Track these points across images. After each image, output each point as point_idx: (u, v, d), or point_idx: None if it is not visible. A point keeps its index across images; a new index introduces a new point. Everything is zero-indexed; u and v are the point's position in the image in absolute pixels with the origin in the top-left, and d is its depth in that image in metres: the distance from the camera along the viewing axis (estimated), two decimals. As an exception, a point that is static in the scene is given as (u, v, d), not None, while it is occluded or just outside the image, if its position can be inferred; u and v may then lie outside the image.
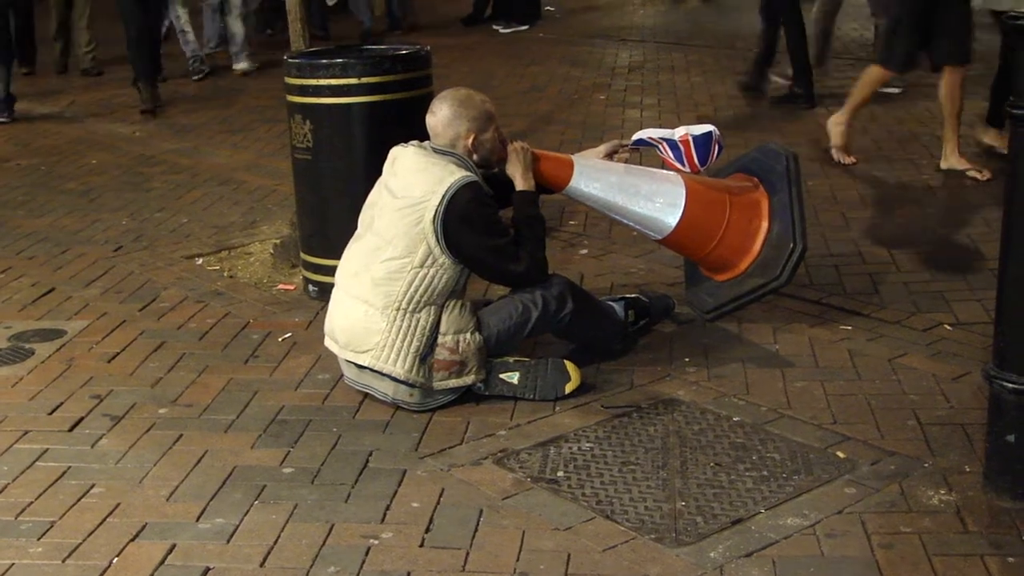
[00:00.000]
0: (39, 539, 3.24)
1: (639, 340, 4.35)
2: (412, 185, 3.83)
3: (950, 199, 5.98)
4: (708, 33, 11.64)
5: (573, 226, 5.88)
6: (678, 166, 4.33)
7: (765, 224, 4.28)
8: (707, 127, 4.35)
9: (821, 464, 3.42)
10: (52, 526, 3.30)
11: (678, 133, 4.33)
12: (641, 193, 4.24)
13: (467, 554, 3.06)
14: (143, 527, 3.26)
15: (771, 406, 3.80)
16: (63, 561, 3.13)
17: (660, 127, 4.52)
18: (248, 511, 3.31)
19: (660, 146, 4.35)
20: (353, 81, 4.65)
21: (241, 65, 10.35)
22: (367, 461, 3.57)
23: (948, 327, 4.38)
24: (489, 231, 3.85)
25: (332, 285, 4.06)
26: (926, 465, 3.39)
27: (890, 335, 4.33)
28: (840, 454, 3.47)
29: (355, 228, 4.04)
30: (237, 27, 10.40)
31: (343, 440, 3.72)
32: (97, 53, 10.94)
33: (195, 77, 10.18)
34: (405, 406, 3.86)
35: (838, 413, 3.73)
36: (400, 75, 4.70)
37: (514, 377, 3.90)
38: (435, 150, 3.93)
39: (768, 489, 3.30)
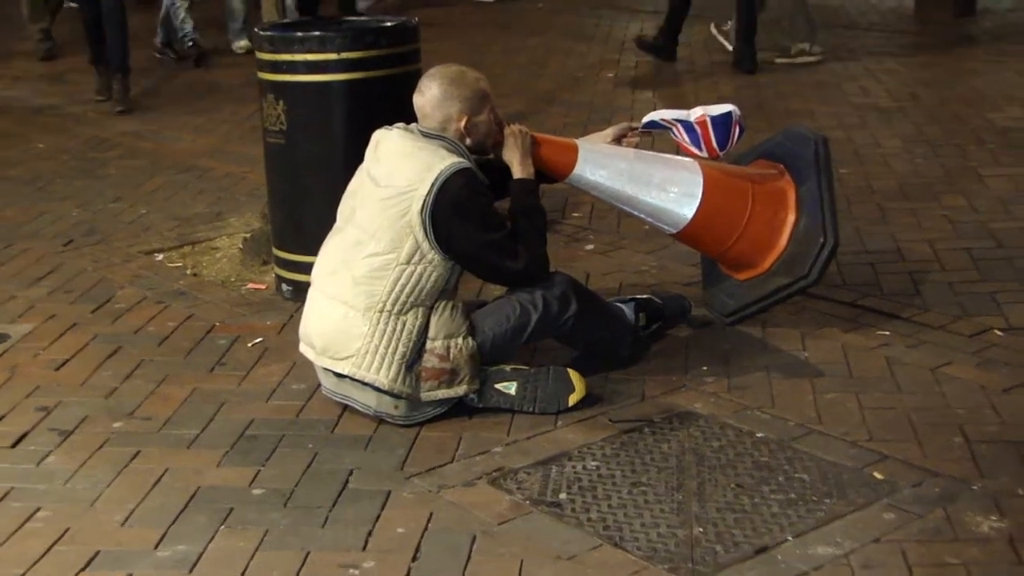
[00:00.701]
0: (-22, 569, 3.22)
1: (651, 346, 4.34)
2: (397, 172, 3.82)
3: (1000, 188, 5.97)
4: (730, 2, 11.62)
5: (577, 219, 5.87)
6: (694, 151, 4.32)
7: (792, 216, 4.27)
8: (726, 107, 4.33)
9: (856, 486, 3.41)
10: (-8, 554, 3.29)
11: (694, 114, 4.32)
12: (653, 182, 4.23)
13: (458, 586, 3.05)
14: (95, 555, 3.24)
15: (799, 420, 3.79)
16: (5, 594, 3.12)
17: (674, 108, 4.51)
18: (213, 537, 3.30)
19: (674, 128, 4.34)
20: (332, 56, 4.64)
21: (242, 43, 10.37)
22: (347, 481, 3.56)
23: (998, 332, 4.37)
24: (483, 224, 3.84)
25: (308, 284, 4.05)
26: (974, 488, 3.38)
27: (933, 341, 4.32)
28: (877, 475, 3.46)
29: (334, 220, 4.03)
30: (237, 3, 10.48)
31: (320, 458, 3.71)
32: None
33: (191, 54, 10.14)
34: (389, 419, 3.85)
35: (875, 429, 3.72)
36: (384, 50, 4.68)
37: (511, 387, 3.89)
38: (423, 133, 3.92)
39: (796, 514, 3.29)
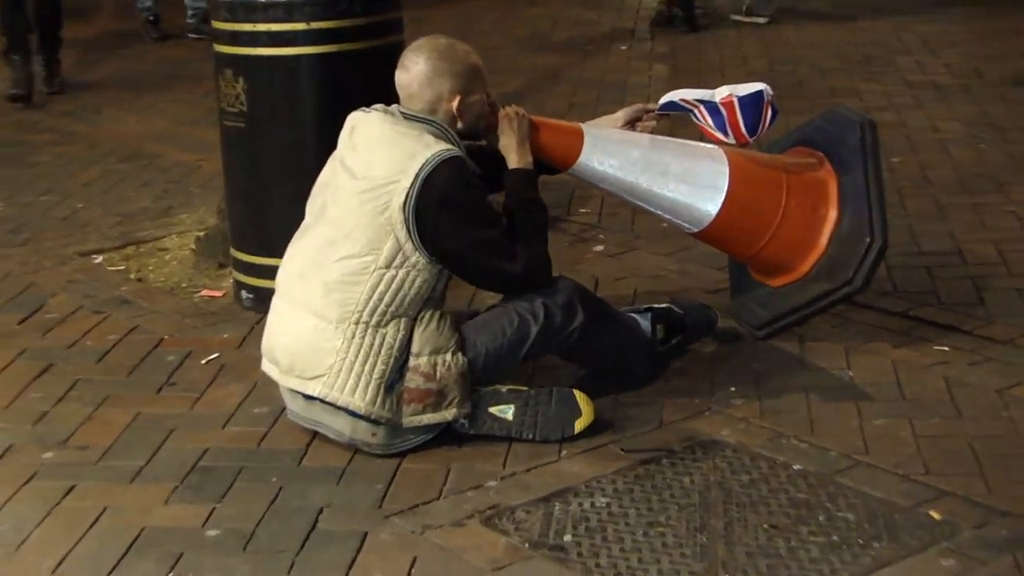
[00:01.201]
0: None
1: (671, 363, 4.35)
2: (376, 162, 3.83)
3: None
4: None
5: (585, 215, 5.88)
6: (720, 137, 4.32)
7: (833, 212, 4.28)
8: (757, 85, 4.34)
9: (909, 527, 3.42)
10: (-97, 606, 3.29)
11: (720, 94, 4.32)
12: (671, 172, 4.24)
13: (446, 643, 3.06)
14: (22, 607, 3.25)
15: (843, 450, 3.80)
16: (-83, 652, 3.12)
17: (697, 87, 4.51)
18: (160, 586, 3.30)
19: (696, 111, 4.35)
20: (300, 26, 4.65)
21: (198, 3, 10.39)
22: (316, 521, 3.56)
23: (1075, 347, 4.38)
24: (476, 220, 3.85)
25: (272, 291, 4.06)
26: (1047, 529, 3.39)
27: (1000, 359, 4.33)
28: (934, 514, 3.47)
29: (302, 217, 4.03)
30: None
31: (285, 493, 3.71)
32: None
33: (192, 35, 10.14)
34: (366, 448, 3.86)
35: (932, 461, 3.72)
36: (361, 18, 4.69)
37: (508, 411, 3.89)
38: (407, 116, 3.92)
39: (839, 560, 3.29)
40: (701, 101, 4.34)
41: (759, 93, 4.31)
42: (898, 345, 4.44)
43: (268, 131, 4.77)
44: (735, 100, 4.30)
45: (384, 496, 3.67)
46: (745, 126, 4.29)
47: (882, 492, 3.57)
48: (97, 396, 4.35)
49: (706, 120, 4.33)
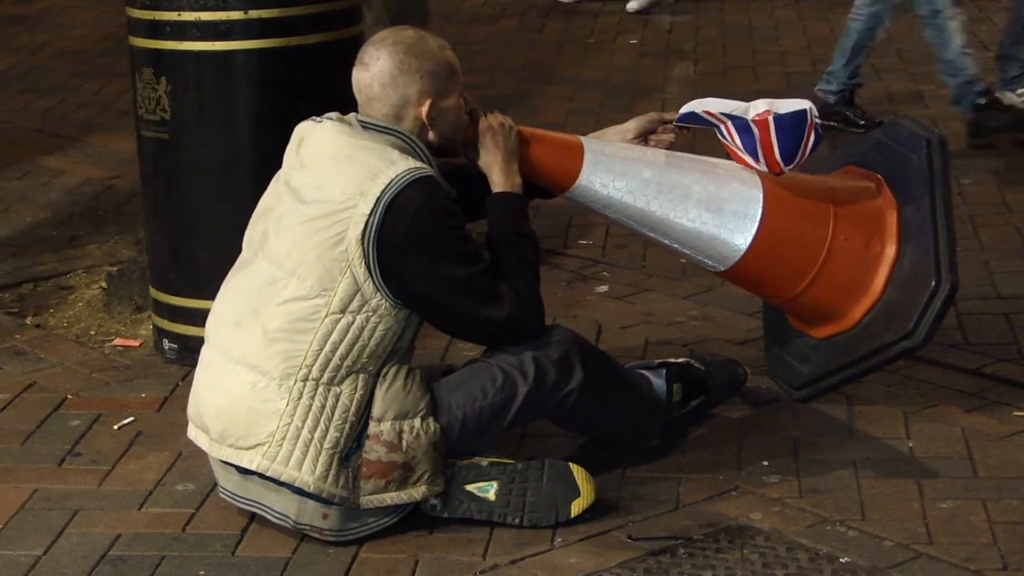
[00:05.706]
0: None
1: (689, 431, 4.36)
2: (329, 183, 3.84)
3: None
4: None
5: (585, 248, 5.88)
6: (748, 161, 4.28)
7: (891, 248, 4.30)
8: (800, 103, 4.29)
9: (980, 634, 3.44)
10: None
11: (755, 109, 4.28)
12: (692, 197, 4.25)
13: None
14: None
15: (902, 539, 3.80)
16: None
17: (727, 98, 4.49)
18: None
19: (722, 127, 4.31)
20: (237, 15, 4.67)
21: None
22: (253, 624, 3.58)
23: None
24: (451, 256, 3.86)
25: (200, 340, 4.08)
26: None
27: (1093, 426, 4.35)
28: (1011, 618, 3.49)
29: (238, 250, 4.06)
30: None
31: (215, 590, 3.72)
32: None
33: None
34: (316, 534, 3.86)
35: (1011, 553, 3.73)
36: (312, 6, 4.72)
37: (489, 490, 3.91)
38: (366, 126, 3.94)
39: (895, 673, 3.32)
40: (730, 116, 4.28)
41: (802, 113, 4.25)
42: (969, 410, 4.46)
43: (197, 144, 4.79)
44: (771, 119, 4.21)
45: (337, 593, 3.69)
46: (780, 151, 4.22)
47: (948, 591, 3.60)
48: (-16, 469, 4.36)
49: (733, 139, 4.28)
